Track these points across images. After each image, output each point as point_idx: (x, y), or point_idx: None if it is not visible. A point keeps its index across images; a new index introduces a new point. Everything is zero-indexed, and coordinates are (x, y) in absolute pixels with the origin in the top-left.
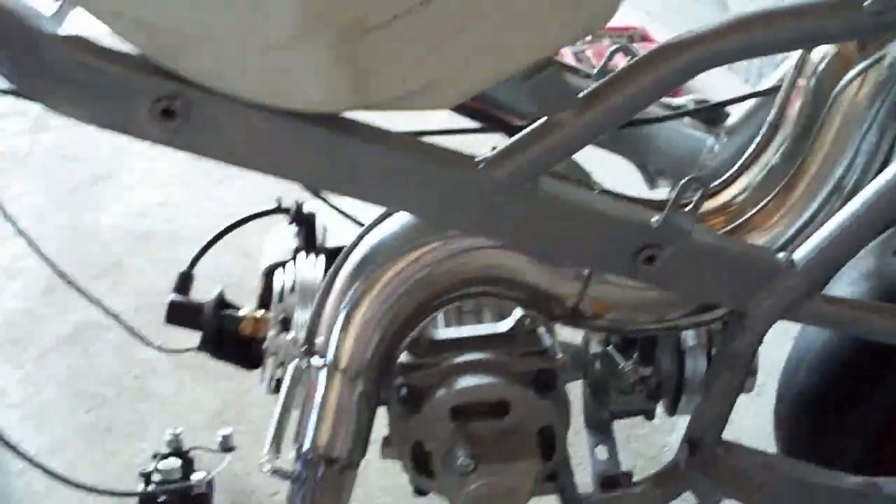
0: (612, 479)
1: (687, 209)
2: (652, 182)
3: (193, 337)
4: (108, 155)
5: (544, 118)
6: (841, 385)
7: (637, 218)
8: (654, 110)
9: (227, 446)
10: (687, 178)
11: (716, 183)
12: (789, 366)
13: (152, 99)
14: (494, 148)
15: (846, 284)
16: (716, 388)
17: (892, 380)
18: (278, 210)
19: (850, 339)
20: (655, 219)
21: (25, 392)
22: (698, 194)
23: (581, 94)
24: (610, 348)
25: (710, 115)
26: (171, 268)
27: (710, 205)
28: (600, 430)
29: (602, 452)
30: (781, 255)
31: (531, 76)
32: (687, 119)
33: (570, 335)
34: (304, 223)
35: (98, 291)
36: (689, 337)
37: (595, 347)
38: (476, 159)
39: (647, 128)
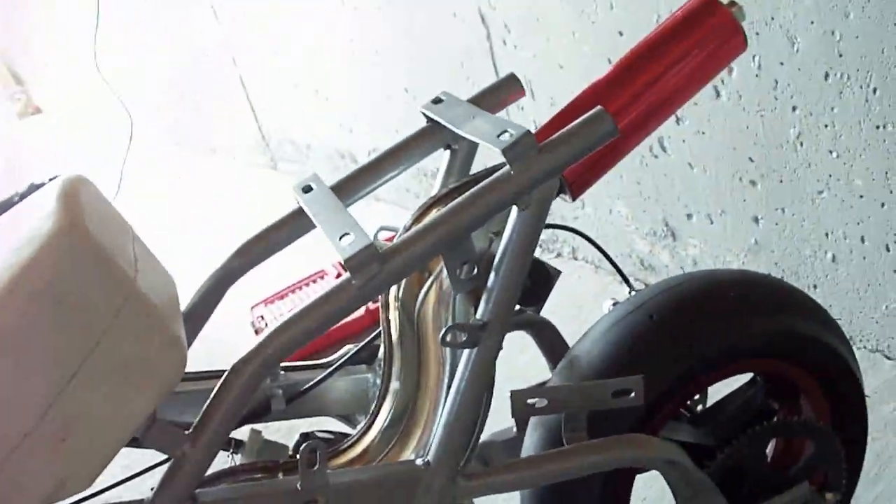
0: None
1: (315, 468)
2: (354, 424)
3: None
4: None
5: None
6: None
7: (284, 488)
8: (314, 374)
9: None
10: (303, 445)
11: (367, 419)
12: None
13: None
14: (152, 489)
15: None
16: None
17: None
18: None
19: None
20: (298, 484)
21: None
22: (318, 452)
23: (188, 431)
24: None
25: (363, 356)
26: None
27: (366, 440)
28: None
29: None
30: (419, 460)
31: (144, 435)
32: (349, 366)
33: None
34: None
35: None
36: None
37: None
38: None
39: (318, 389)
